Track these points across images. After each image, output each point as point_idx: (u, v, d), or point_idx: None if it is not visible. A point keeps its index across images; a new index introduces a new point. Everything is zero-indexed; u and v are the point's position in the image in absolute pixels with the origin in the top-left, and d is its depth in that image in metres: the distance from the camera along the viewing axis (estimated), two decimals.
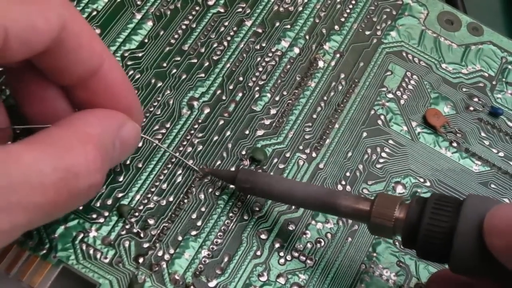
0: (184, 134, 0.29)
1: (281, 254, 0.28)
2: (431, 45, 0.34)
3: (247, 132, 0.30)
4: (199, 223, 0.28)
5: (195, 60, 0.31)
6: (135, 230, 0.27)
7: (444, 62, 0.33)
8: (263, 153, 0.29)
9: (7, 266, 0.25)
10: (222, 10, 0.33)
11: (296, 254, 0.28)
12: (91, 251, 0.26)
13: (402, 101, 0.32)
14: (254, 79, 0.31)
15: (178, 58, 0.31)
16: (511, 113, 0.33)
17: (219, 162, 0.29)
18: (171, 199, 0.28)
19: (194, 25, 0.32)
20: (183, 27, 0.32)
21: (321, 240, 0.28)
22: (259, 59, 0.32)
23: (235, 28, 0.32)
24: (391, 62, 0.33)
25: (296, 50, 0.32)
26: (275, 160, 0.30)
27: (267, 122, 0.30)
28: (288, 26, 0.33)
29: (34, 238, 0.26)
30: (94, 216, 0.27)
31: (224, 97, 0.31)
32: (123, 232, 0.27)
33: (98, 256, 0.26)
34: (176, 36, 0.31)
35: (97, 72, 0.23)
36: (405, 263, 0.28)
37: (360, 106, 0.32)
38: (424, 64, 0.33)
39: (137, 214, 0.27)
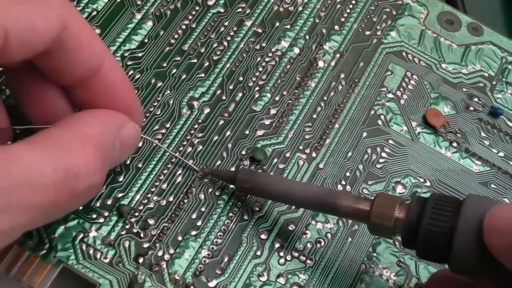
0: (184, 134, 0.29)
1: (281, 254, 0.28)
2: (431, 45, 0.34)
3: (247, 132, 0.30)
4: (199, 223, 0.28)
5: (195, 60, 0.31)
6: (135, 230, 0.27)
7: (444, 62, 0.33)
8: (263, 153, 0.29)
9: (7, 266, 0.25)
10: (222, 10, 0.33)
11: (296, 254, 0.28)
12: (91, 251, 0.26)
13: (402, 101, 0.32)
14: (254, 79, 0.31)
15: (178, 58, 0.31)
16: (511, 113, 0.33)
17: (219, 162, 0.29)
18: (171, 199, 0.28)
19: (194, 25, 0.32)
20: (183, 27, 0.32)
21: (321, 240, 0.28)
22: (259, 59, 0.32)
23: (235, 28, 0.32)
24: (391, 62, 0.33)
25: (296, 50, 0.32)
26: (275, 160, 0.30)
27: (267, 122, 0.30)
28: (288, 26, 0.33)
29: (34, 238, 0.26)
30: (94, 216, 0.27)
31: (224, 97, 0.31)
32: (123, 232, 0.27)
33: (98, 256, 0.26)
34: (176, 36, 0.31)
35: (97, 72, 0.23)
36: (405, 263, 0.28)
37: (360, 106, 0.32)
38: (424, 64, 0.33)
39: (137, 214, 0.27)
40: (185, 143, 0.29)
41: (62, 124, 0.22)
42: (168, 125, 0.29)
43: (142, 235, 0.27)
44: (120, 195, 0.28)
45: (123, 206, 0.27)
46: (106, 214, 0.27)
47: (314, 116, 0.31)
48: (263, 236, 0.28)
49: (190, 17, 0.32)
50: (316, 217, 0.29)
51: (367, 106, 0.32)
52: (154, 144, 0.29)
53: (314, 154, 0.30)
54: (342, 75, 0.32)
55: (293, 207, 0.29)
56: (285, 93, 0.31)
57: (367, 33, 0.34)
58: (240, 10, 0.33)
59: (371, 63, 0.33)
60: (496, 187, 0.31)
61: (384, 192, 0.30)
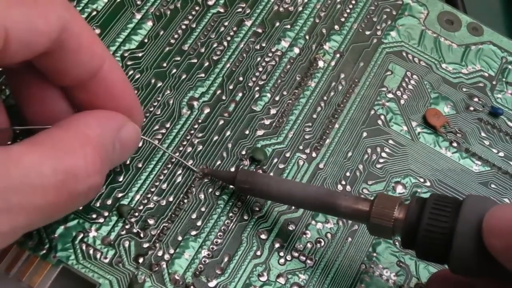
0: (184, 134, 0.29)
1: (281, 254, 0.28)
2: (431, 45, 0.34)
3: (247, 132, 0.30)
4: (199, 223, 0.28)
5: (195, 60, 0.31)
6: (135, 230, 0.27)
7: (444, 62, 0.33)
8: (263, 153, 0.29)
9: (7, 266, 0.25)
10: (222, 10, 0.33)
11: (296, 254, 0.28)
12: (91, 251, 0.26)
13: (402, 101, 0.32)
14: (254, 79, 0.31)
15: (178, 58, 0.31)
16: (511, 113, 0.33)
17: (219, 162, 0.29)
18: (171, 199, 0.28)
19: (194, 25, 0.32)
20: (183, 27, 0.32)
21: (321, 240, 0.28)
22: (259, 59, 0.32)
23: (235, 28, 0.32)
24: (391, 62, 0.33)
25: (296, 50, 0.32)
26: (275, 160, 0.30)
27: (267, 122, 0.30)
28: (288, 26, 0.33)
29: (34, 238, 0.26)
30: (94, 216, 0.27)
31: (224, 97, 0.31)
32: (123, 232, 0.27)
33: (98, 256, 0.26)
34: (176, 36, 0.31)
35: (97, 73, 0.23)
36: (405, 263, 0.28)
37: (360, 106, 0.32)
38: (424, 64, 0.33)
39: (137, 214, 0.27)
40: (185, 143, 0.29)
41: (62, 125, 0.22)
42: (168, 125, 0.29)
43: (142, 235, 0.27)
44: (120, 195, 0.28)
45: (123, 206, 0.27)
46: (106, 214, 0.27)
47: (314, 116, 0.31)
48: (263, 236, 0.28)
49: (190, 17, 0.32)
50: (316, 217, 0.29)
51: (367, 106, 0.32)
52: (154, 145, 0.29)
53: (314, 154, 0.30)
54: (342, 75, 0.32)
55: (293, 207, 0.29)
56: (285, 93, 0.31)
57: (367, 33, 0.34)
58: (240, 10, 0.33)
59: (371, 63, 0.33)
60: (496, 187, 0.31)
61: (383, 193, 0.30)
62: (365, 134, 0.31)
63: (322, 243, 0.28)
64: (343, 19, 0.34)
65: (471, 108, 0.33)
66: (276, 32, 0.33)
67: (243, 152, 0.29)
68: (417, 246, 0.23)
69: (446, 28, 0.34)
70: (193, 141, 0.29)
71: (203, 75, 0.31)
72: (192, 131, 0.29)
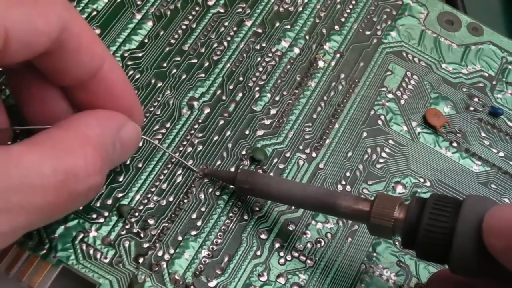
0: (184, 134, 0.29)
1: (281, 254, 0.28)
2: (431, 45, 0.34)
3: (247, 132, 0.30)
4: (199, 223, 0.28)
5: (195, 60, 0.31)
6: (135, 230, 0.27)
7: (444, 62, 0.33)
8: (263, 153, 0.29)
9: (7, 266, 0.25)
10: (222, 10, 0.33)
11: (296, 254, 0.28)
12: (91, 251, 0.26)
13: (402, 101, 0.32)
14: (254, 79, 0.31)
15: (178, 58, 0.31)
16: (511, 113, 0.33)
17: (219, 162, 0.29)
18: (171, 199, 0.28)
19: (194, 25, 0.32)
20: (183, 27, 0.32)
21: (321, 240, 0.28)
22: (259, 59, 0.32)
23: (235, 28, 0.32)
24: (391, 62, 0.33)
25: (296, 50, 0.32)
26: (275, 160, 0.30)
27: (267, 122, 0.30)
28: (288, 26, 0.33)
29: (34, 238, 0.26)
30: (94, 216, 0.27)
31: (224, 97, 0.31)
32: (123, 232, 0.27)
33: (98, 256, 0.26)
34: (176, 36, 0.31)
35: (97, 73, 0.23)
36: (405, 263, 0.28)
37: (360, 106, 0.32)
38: (424, 64, 0.33)
39: (137, 214, 0.27)
40: (185, 143, 0.29)
41: (62, 125, 0.22)
42: (168, 125, 0.29)
43: (142, 235, 0.27)
44: (120, 195, 0.28)
45: (123, 206, 0.27)
46: (106, 214, 0.27)
47: (314, 116, 0.31)
48: (263, 236, 0.28)
49: (190, 17, 0.32)
50: (316, 217, 0.29)
51: (367, 106, 0.32)
52: (154, 144, 0.29)
53: (314, 154, 0.30)
54: (342, 75, 0.32)
55: (293, 207, 0.29)
56: (285, 93, 0.31)
57: (367, 33, 0.34)
58: (240, 10, 0.33)
59: (371, 63, 0.33)
60: (496, 187, 0.31)
61: (383, 193, 0.30)
62: (365, 134, 0.31)
63: (322, 243, 0.28)
64: (343, 19, 0.34)
65: (471, 108, 0.33)
66: (276, 32, 0.33)
67: (243, 152, 0.29)
68: (417, 246, 0.23)
69: (446, 28, 0.34)
70: (193, 141, 0.29)
71: (203, 75, 0.31)
72: (192, 131, 0.29)
